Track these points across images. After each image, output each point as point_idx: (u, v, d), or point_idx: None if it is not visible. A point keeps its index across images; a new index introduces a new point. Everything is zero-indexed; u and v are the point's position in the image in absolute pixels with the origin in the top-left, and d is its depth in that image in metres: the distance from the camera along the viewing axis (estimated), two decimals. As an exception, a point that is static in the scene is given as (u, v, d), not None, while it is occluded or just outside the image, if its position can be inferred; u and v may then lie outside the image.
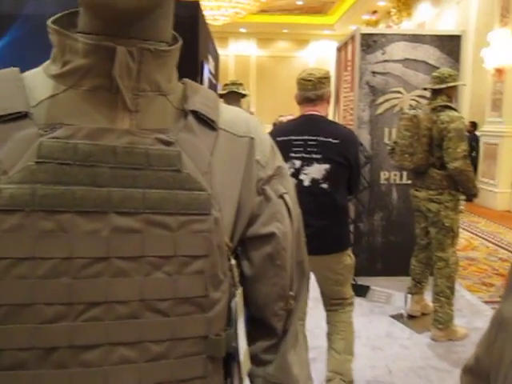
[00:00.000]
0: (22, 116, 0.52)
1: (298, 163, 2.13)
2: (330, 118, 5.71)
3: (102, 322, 0.50)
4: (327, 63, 15.49)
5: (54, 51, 0.57)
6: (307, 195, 2.06)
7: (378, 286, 3.89)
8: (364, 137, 3.97)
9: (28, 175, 0.48)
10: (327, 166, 2.11)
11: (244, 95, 3.58)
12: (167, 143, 0.54)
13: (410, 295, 3.41)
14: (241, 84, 3.62)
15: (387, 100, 3.99)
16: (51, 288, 0.48)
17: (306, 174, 2.13)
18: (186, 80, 0.64)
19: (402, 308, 3.46)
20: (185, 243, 0.53)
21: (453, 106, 3.03)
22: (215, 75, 5.41)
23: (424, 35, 4.05)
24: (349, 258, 2.26)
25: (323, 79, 2.18)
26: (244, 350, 0.61)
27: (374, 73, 3.97)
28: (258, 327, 0.68)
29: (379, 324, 3.30)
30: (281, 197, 0.65)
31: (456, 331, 3.09)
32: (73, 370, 0.49)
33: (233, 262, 0.59)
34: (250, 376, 0.68)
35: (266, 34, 15.94)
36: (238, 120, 0.64)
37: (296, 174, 2.12)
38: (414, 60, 3.96)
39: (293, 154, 2.13)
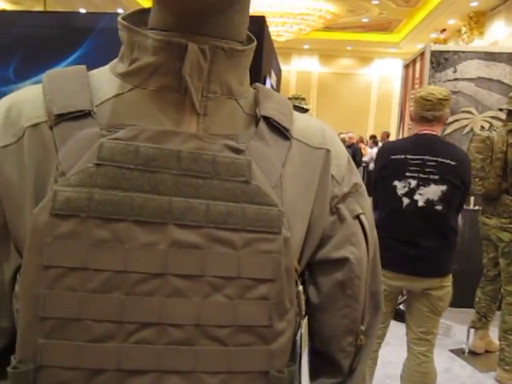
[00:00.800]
0: (84, 115, 0.48)
1: (413, 183, 2.08)
2: (394, 137, 5.50)
3: (154, 345, 0.45)
4: (391, 81, 15.16)
5: (123, 49, 0.54)
6: (420, 216, 2.04)
7: (438, 316, 3.64)
8: (431, 157, 3.78)
9: (86, 178, 0.44)
10: (444, 187, 2.05)
11: (306, 110, 3.52)
12: (237, 151, 0.49)
13: (473, 330, 3.16)
14: (303, 99, 3.57)
15: (457, 120, 3.78)
16: (102, 303, 0.44)
17: (421, 194, 2.07)
18: (258, 84, 0.59)
19: (464, 343, 3.21)
20: (250, 264, 0.47)
21: (532, 128, 2.81)
22: (277, 91, 5.41)
23: (500, 53, 3.82)
24: (451, 285, 2.14)
25: (443, 101, 2.10)
26: None
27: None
28: (321, 362, 0.60)
29: (437, 357, 3.07)
30: (357, 217, 0.58)
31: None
32: None
33: (300, 288, 0.52)
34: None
35: (329, 50, 15.84)
36: (313, 130, 0.58)
37: (410, 193, 2.08)
38: (488, 79, 3.74)
39: (409, 174, 2.09)
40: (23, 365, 0.44)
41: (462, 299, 3.52)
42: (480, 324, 3.12)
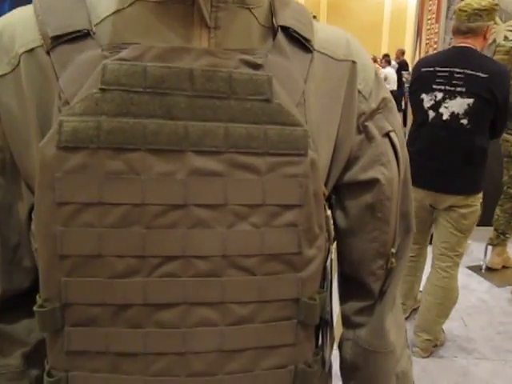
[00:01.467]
0: (83, 35, 0.43)
1: (439, 95, 2.01)
2: (410, 52, 5.22)
3: (179, 278, 0.43)
4: (406, -5, 14.24)
5: None
6: (444, 129, 2.00)
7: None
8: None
9: (92, 105, 0.40)
10: (471, 100, 1.96)
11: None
12: (255, 66, 0.44)
13: (490, 246, 3.18)
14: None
15: (478, 31, 3.55)
16: (122, 238, 0.42)
17: (446, 107, 2.01)
18: None
19: (481, 259, 3.25)
20: (275, 190, 0.44)
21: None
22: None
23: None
24: (479, 205, 2.11)
25: (481, 11, 1.96)
26: (337, 313, 0.52)
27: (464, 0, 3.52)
28: (351, 286, 0.59)
29: (454, 274, 3.14)
30: (386, 135, 0.53)
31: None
32: (148, 329, 0.44)
33: (328, 212, 0.50)
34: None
35: (339, -37, 14.81)
36: (336, 40, 0.52)
37: (436, 106, 2.02)
38: (513, -16, 3.46)
39: (435, 86, 2.02)
40: (49, 303, 0.43)
41: (480, 217, 3.53)
42: (498, 241, 3.13)
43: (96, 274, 0.42)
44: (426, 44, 4.06)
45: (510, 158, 2.88)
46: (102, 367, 0.44)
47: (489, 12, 1.98)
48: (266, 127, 0.43)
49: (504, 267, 3.19)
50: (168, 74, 0.41)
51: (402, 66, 9.04)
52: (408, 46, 9.26)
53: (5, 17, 0.48)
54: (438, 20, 3.68)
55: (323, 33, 0.52)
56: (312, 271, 0.46)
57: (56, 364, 0.45)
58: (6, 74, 0.44)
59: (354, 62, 0.52)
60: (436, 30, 3.73)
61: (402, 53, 9.61)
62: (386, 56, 9.98)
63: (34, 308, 0.43)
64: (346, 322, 0.60)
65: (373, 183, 0.53)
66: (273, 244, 0.44)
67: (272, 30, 0.49)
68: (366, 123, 0.52)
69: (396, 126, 0.55)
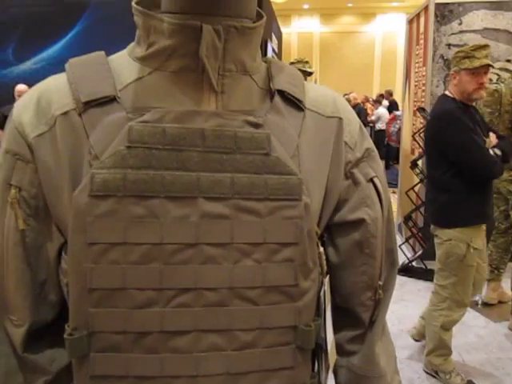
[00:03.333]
0: (110, 100, 0.51)
1: None
2: (400, 94, 5.45)
3: (192, 308, 0.49)
4: (395, 38, 14.78)
5: (139, 33, 0.56)
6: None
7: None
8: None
9: (119, 160, 0.48)
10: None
11: (310, 73, 3.49)
12: (256, 125, 0.52)
13: (486, 282, 3.22)
14: (307, 62, 3.53)
15: (463, 74, 3.72)
16: (143, 273, 0.48)
17: None
18: (269, 58, 0.61)
19: (477, 295, 3.27)
20: (274, 230, 0.51)
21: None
22: (278, 54, 5.32)
23: (507, 1, 3.72)
24: (448, 242, 2.22)
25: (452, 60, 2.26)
26: (331, 340, 0.58)
27: (449, 45, 3.72)
28: (343, 316, 0.65)
29: (451, 311, 3.15)
30: (370, 181, 0.61)
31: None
32: (164, 355, 0.49)
33: (321, 249, 0.56)
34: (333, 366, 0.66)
35: (330, 9, 15.39)
36: (324, 99, 0.61)
37: None
38: (495, 29, 3.66)
39: None
40: (77, 332, 0.49)
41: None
42: (492, 276, 3.18)
43: (119, 304, 0.48)
44: (415, 86, 4.24)
45: (499, 194, 2.97)
46: None
47: (453, 59, 2.18)
48: (266, 176, 0.51)
49: (500, 302, 3.22)
50: (183, 134, 0.49)
51: (392, 106, 9.32)
52: (398, 85, 9.56)
53: (42, 84, 0.56)
54: (425, 63, 3.87)
55: (313, 92, 0.60)
56: (307, 301, 0.53)
57: None
58: (44, 133, 0.52)
59: (340, 119, 0.60)
60: (423, 73, 3.91)
61: (390, 94, 9.92)
62: (380, 96, 10.26)
63: (65, 336, 0.49)
64: (340, 349, 0.66)
65: (359, 223, 0.60)
66: (273, 277, 0.51)
67: (270, 92, 0.57)
68: (353, 170, 0.60)
69: (379, 172, 0.62)
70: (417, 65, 4.18)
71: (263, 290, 0.51)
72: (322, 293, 0.56)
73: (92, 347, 0.49)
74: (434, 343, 2.30)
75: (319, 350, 0.56)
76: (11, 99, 4.64)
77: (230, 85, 0.54)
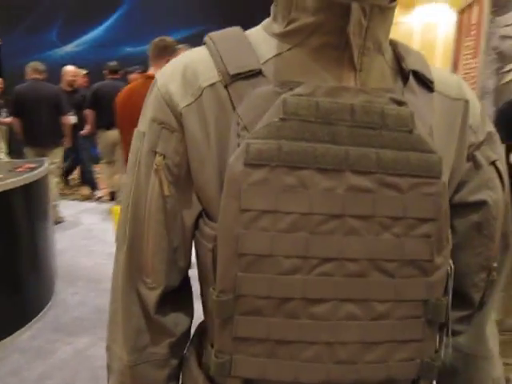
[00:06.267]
0: (256, 73, 0.53)
1: None
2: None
3: (333, 277, 0.51)
4: (435, 29, 14.40)
5: (275, 10, 0.58)
6: None
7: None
8: (488, 108, 3.66)
9: (274, 131, 0.50)
10: None
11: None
12: (400, 103, 0.53)
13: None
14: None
15: (517, 68, 3.62)
16: (290, 241, 0.50)
17: None
18: (393, 39, 0.62)
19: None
20: (414, 205, 0.52)
21: None
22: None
23: None
24: None
25: None
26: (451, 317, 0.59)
27: (503, 37, 3.61)
28: (453, 296, 0.66)
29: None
30: (492, 164, 0.61)
31: None
32: (303, 321, 0.51)
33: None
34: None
35: None
36: (450, 81, 0.61)
37: None
38: (553, 21, 3.53)
39: None
40: (224, 294, 0.51)
41: None
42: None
43: (266, 270, 0.50)
44: (463, 78, 4.14)
45: None
46: (261, 352, 0.52)
47: None
48: (409, 153, 0.52)
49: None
50: (334, 108, 0.51)
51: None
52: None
53: (184, 56, 0.58)
54: (475, 55, 3.77)
55: (438, 74, 0.61)
56: (439, 276, 0.54)
57: (223, 348, 0.53)
58: (191, 103, 0.54)
59: (466, 101, 0.60)
60: (473, 65, 3.82)
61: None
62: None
63: (213, 297, 0.51)
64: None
65: (481, 204, 0.60)
66: (410, 251, 0.52)
67: (400, 72, 0.58)
68: (475, 153, 0.61)
69: (500, 155, 0.62)
70: (466, 57, 4.08)
71: (400, 263, 0.52)
72: (449, 270, 0.57)
73: (237, 310, 0.51)
74: None
75: (444, 326, 0.58)
76: (54, 79, 4.76)
77: (368, 63, 0.55)
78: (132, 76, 5.40)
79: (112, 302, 0.62)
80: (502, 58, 3.66)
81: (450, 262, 0.57)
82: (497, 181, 0.61)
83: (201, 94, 0.54)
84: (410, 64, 0.58)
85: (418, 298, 0.53)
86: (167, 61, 2.72)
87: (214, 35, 0.58)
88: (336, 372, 0.52)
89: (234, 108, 0.53)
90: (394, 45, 0.61)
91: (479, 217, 0.61)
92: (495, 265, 0.63)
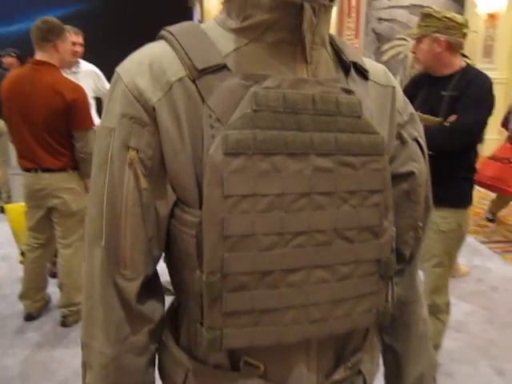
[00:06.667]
0: (221, 67, 0.57)
1: None
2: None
3: (305, 248, 0.58)
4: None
5: (229, 5, 0.61)
6: None
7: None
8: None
9: (248, 122, 0.54)
10: None
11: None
12: (349, 92, 0.60)
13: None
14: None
15: (392, 47, 4.00)
16: (268, 221, 0.56)
17: None
18: (330, 33, 0.69)
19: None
20: (366, 180, 0.60)
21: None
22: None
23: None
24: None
25: None
26: None
27: (379, 19, 3.96)
28: None
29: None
30: (415, 140, 0.72)
31: (459, 269, 3.31)
32: (282, 289, 0.58)
33: None
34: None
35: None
36: (377, 70, 0.71)
37: None
38: (420, 5, 3.95)
39: None
40: (213, 275, 0.55)
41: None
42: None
43: (249, 248, 0.55)
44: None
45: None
46: (248, 323, 0.57)
47: None
48: (360, 135, 0.60)
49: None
50: (299, 99, 0.57)
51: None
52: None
53: (146, 51, 0.59)
54: (357, 36, 4.09)
55: (368, 64, 0.70)
56: (387, 238, 0.64)
57: (213, 324, 0.57)
58: (161, 98, 0.56)
59: (393, 87, 0.71)
60: (356, 45, 4.13)
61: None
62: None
63: (203, 279, 0.55)
64: None
65: (409, 175, 0.72)
66: (365, 219, 0.61)
67: (339, 63, 0.66)
68: (401, 131, 0.71)
69: (420, 132, 0.74)
70: (348, 37, 4.40)
71: (358, 230, 0.61)
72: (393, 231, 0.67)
73: (225, 288, 0.56)
74: None
75: (390, 281, 0.68)
76: None
77: (316, 56, 0.62)
78: (7, 60, 4.90)
79: (87, 298, 0.63)
80: (379, 38, 4.01)
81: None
82: (420, 154, 0.73)
83: (170, 88, 0.56)
84: (350, 56, 0.66)
85: (373, 258, 0.63)
86: (54, 45, 2.44)
87: (174, 30, 0.60)
88: (312, 330, 0.60)
89: (203, 100, 0.56)
90: (331, 38, 0.68)
91: (408, 185, 0.72)
92: (420, 224, 0.75)
